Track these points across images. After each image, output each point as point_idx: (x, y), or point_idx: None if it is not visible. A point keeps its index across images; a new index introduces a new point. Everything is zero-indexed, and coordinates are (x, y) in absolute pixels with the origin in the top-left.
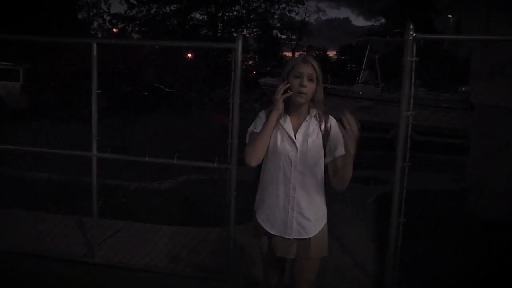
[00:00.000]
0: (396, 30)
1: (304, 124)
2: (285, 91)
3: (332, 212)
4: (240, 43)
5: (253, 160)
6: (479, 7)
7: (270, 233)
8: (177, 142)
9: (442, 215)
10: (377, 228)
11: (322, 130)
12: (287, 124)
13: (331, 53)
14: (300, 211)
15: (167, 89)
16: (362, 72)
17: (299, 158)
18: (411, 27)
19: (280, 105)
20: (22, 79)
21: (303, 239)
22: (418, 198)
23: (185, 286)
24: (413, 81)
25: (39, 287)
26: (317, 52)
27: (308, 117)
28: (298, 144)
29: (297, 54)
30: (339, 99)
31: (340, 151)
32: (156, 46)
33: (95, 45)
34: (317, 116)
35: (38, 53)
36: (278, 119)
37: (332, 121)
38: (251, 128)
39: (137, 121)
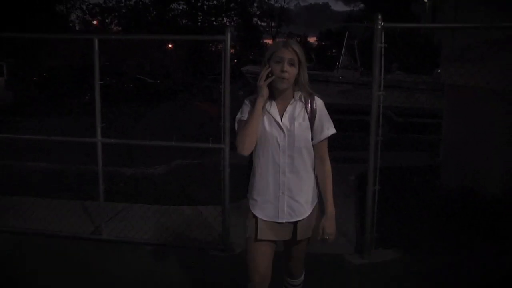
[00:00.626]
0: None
1: (289, 108)
2: (267, 77)
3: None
4: (229, 35)
5: (245, 148)
6: None
7: (263, 220)
8: (169, 129)
9: (415, 186)
10: (359, 201)
11: (308, 111)
12: (273, 109)
13: (312, 39)
14: (291, 194)
15: (149, 80)
16: (341, 57)
17: (287, 142)
18: (379, 17)
19: (265, 91)
20: (5, 74)
21: (294, 221)
22: (395, 172)
23: (186, 256)
24: (382, 64)
25: (53, 261)
26: (297, 38)
27: (292, 100)
28: (285, 129)
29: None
30: (321, 84)
31: (326, 133)
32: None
33: (96, 41)
34: (302, 98)
35: (20, 49)
36: (264, 105)
37: (318, 101)
38: (238, 116)
39: (125, 113)
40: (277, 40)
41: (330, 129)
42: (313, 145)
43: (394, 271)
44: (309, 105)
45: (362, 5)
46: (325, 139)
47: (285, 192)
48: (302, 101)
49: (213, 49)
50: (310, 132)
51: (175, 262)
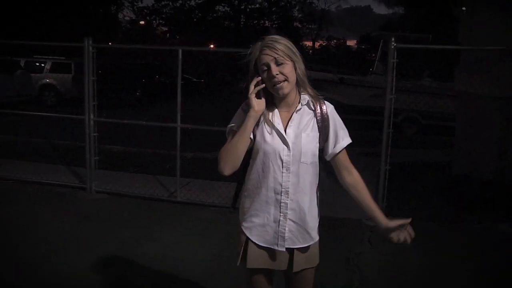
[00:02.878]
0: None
1: (295, 116)
2: (257, 85)
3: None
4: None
5: (226, 168)
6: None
7: (258, 245)
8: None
9: (430, 174)
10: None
11: (319, 120)
12: (276, 117)
13: (351, 42)
14: (294, 218)
15: (194, 79)
16: (375, 63)
17: (291, 158)
18: (393, 39)
19: (256, 104)
20: (73, 71)
21: (297, 248)
22: (416, 165)
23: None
24: (394, 74)
25: (142, 215)
26: (336, 41)
27: (299, 106)
28: (290, 141)
29: (317, 44)
30: (354, 88)
31: (342, 144)
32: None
33: (180, 51)
34: (311, 103)
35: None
36: (262, 116)
37: (329, 107)
38: (229, 125)
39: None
40: (256, 43)
41: (345, 139)
42: (328, 160)
43: None
44: (319, 112)
45: (402, 10)
46: (343, 150)
47: (287, 216)
48: (311, 108)
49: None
50: (318, 145)
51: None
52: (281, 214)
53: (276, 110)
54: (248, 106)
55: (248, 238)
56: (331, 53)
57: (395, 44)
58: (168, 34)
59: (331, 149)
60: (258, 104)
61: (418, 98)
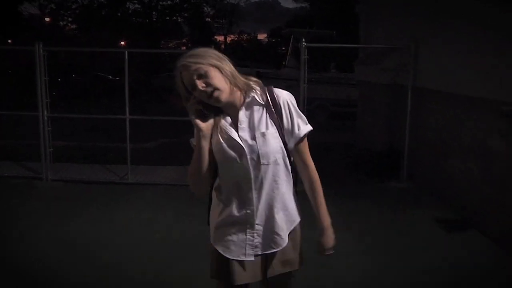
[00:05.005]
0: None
1: (242, 115)
2: (197, 106)
3: None
4: None
5: (197, 193)
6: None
7: (228, 258)
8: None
9: (335, 151)
10: None
11: (272, 112)
12: (225, 123)
13: (262, 36)
14: (262, 224)
15: (109, 77)
16: (287, 58)
17: (249, 162)
18: (303, 40)
19: (201, 125)
20: None
21: (270, 254)
22: (328, 145)
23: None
24: (306, 68)
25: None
26: (247, 36)
27: (245, 104)
28: (244, 144)
29: (229, 39)
30: (270, 81)
31: (299, 132)
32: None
33: (126, 53)
34: (257, 97)
35: None
36: (213, 127)
37: (280, 94)
38: (193, 138)
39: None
40: (174, 70)
41: (303, 126)
42: (290, 150)
43: None
44: (270, 103)
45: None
46: (301, 139)
47: (255, 222)
48: (258, 101)
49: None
50: (280, 139)
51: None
52: (248, 223)
53: (226, 116)
54: (195, 128)
55: (218, 252)
56: (243, 47)
57: (305, 44)
58: (76, 32)
59: (290, 139)
60: (204, 124)
61: (326, 87)
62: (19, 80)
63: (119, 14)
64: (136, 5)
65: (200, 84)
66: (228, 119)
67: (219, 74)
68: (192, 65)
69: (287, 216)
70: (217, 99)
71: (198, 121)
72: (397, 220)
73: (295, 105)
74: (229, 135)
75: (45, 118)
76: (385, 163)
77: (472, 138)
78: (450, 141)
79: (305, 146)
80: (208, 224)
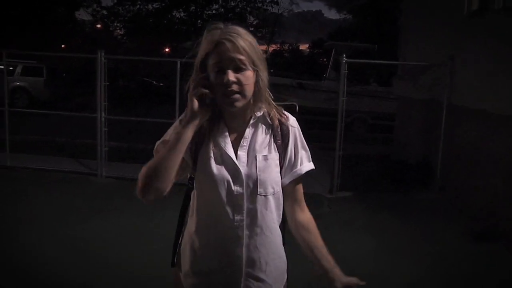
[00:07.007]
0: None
1: (248, 133)
2: (202, 86)
3: None
4: None
5: (147, 192)
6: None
7: None
8: None
9: (372, 162)
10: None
11: (277, 135)
12: (223, 135)
13: (304, 46)
14: (252, 270)
15: (154, 82)
16: (328, 70)
17: (245, 189)
18: (344, 55)
19: (196, 106)
20: (45, 75)
21: None
22: (365, 156)
23: None
24: (345, 82)
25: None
26: (289, 46)
27: (252, 121)
28: (242, 167)
29: (271, 49)
30: (311, 92)
31: (302, 169)
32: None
33: (179, 63)
34: (267, 116)
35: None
36: (205, 129)
37: (291, 121)
38: (161, 139)
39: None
40: (210, 27)
41: (305, 163)
42: (284, 186)
43: (349, 201)
44: (278, 125)
45: (350, 16)
46: (301, 177)
47: (243, 267)
48: (267, 121)
49: None
50: (279, 169)
51: None
52: (234, 265)
53: (224, 127)
54: (188, 107)
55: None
56: (285, 57)
57: (345, 59)
58: (124, 38)
59: (290, 173)
60: (200, 109)
61: (366, 101)
62: (74, 82)
63: (165, 21)
64: (183, 14)
65: (232, 76)
66: (226, 130)
67: (253, 80)
68: (238, 49)
69: (279, 263)
70: (235, 102)
71: (196, 101)
72: (426, 230)
73: (302, 135)
74: (224, 151)
75: (103, 119)
76: (418, 174)
77: (503, 155)
78: (481, 157)
79: (301, 185)
80: (172, 266)
